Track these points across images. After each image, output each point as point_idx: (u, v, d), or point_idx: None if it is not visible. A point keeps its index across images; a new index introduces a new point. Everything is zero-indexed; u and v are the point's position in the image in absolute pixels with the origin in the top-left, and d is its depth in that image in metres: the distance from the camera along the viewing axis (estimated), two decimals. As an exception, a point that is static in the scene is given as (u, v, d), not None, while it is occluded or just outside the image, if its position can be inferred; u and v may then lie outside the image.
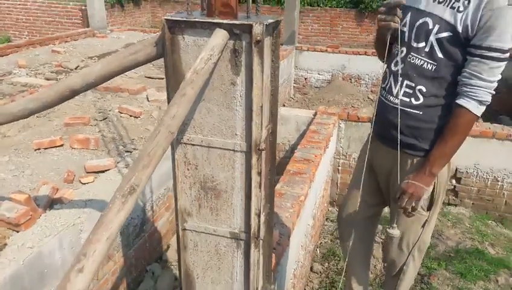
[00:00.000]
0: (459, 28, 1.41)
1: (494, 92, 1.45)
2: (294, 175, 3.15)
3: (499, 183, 4.58)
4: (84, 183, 2.95)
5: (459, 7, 1.41)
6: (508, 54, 1.41)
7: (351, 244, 1.88)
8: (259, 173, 1.58)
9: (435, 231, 4.03)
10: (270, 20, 1.41)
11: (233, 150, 1.54)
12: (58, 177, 2.97)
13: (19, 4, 10.48)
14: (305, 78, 8.32)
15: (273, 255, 2.18)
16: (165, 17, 1.37)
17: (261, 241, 1.73)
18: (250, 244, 1.67)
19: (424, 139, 1.56)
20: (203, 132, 1.54)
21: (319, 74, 8.25)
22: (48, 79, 5.26)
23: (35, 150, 3.29)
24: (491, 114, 6.82)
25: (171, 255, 3.70)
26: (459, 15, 1.41)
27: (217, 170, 1.59)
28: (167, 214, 3.75)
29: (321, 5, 11.44)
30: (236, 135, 1.51)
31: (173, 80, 1.44)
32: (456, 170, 4.68)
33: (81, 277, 0.98)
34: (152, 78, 5.72)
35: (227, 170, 1.58)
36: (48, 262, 2.36)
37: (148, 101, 4.61)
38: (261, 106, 1.46)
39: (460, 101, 1.46)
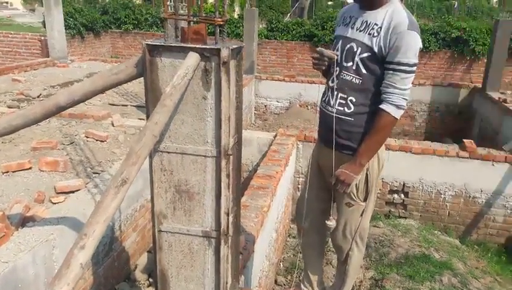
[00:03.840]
0: (375, 49, 1.80)
1: (407, 98, 1.84)
2: (258, 189, 3.40)
3: (442, 196, 5.04)
4: (55, 203, 3.04)
5: (374, 33, 1.82)
6: (414, 68, 1.82)
7: (307, 237, 2.16)
8: (228, 175, 1.82)
9: (387, 240, 4.37)
10: (235, 46, 1.69)
11: (205, 156, 1.77)
12: (28, 198, 3.05)
13: (-25, 34, 10.36)
14: (265, 105, 8.71)
15: (240, 258, 2.38)
16: (146, 42, 1.63)
17: (230, 238, 1.94)
18: (220, 240, 1.88)
19: (356, 140, 1.91)
20: (178, 140, 1.77)
21: (277, 101, 8.68)
22: (10, 107, 5.28)
23: (4, 173, 3.36)
24: (436, 137, 7.44)
25: (139, 275, 3.79)
26: (374, 39, 1.81)
27: (190, 174, 1.82)
28: (134, 234, 3.85)
29: (278, 38, 12.07)
30: (207, 142, 1.75)
31: (151, 95, 1.67)
32: (404, 184, 5.11)
33: (83, 253, 1.17)
34: (115, 105, 5.87)
35: (200, 173, 1.81)
36: (22, 276, 2.44)
37: (113, 126, 4.75)
38: (229, 117, 1.72)
39: (382, 106, 1.83)
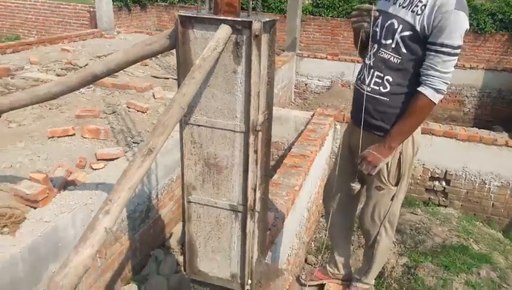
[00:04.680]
0: (418, 28, 1.70)
1: (448, 82, 1.73)
2: (290, 168, 3.38)
3: (486, 186, 4.80)
4: (95, 169, 3.18)
5: (417, 11, 1.71)
6: (458, 50, 1.69)
7: (334, 218, 2.13)
8: (256, 152, 1.81)
9: (423, 227, 4.25)
10: (267, 19, 1.65)
11: (234, 131, 1.77)
12: (71, 162, 3.20)
13: (29, 4, 10.80)
14: (306, 84, 8.58)
15: (268, 233, 2.40)
16: (179, 14, 1.62)
17: (256, 214, 1.95)
18: (247, 215, 1.90)
19: (389, 122, 1.83)
20: (208, 114, 1.78)
21: (318, 80, 8.51)
22: (58, 75, 5.50)
23: (49, 138, 3.53)
24: (485, 124, 7.06)
25: (173, 242, 3.91)
26: (418, 17, 1.71)
27: (219, 148, 1.83)
28: (171, 203, 3.97)
29: (323, 15, 11.74)
30: (236, 117, 1.74)
31: (183, 67, 1.68)
32: (446, 172, 4.91)
33: (107, 217, 1.21)
34: (158, 77, 5.98)
35: (228, 148, 1.81)
36: (62, 236, 2.59)
37: (155, 98, 4.85)
38: (258, 92, 1.70)
39: (420, 88, 1.73)
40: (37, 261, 2.40)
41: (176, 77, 6.02)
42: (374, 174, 1.85)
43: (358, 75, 1.96)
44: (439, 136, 4.76)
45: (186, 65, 1.66)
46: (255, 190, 1.89)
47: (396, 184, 1.93)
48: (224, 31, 1.51)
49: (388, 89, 1.81)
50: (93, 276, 2.91)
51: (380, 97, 1.83)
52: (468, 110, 8.17)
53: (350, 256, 2.36)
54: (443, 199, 5.10)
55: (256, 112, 1.72)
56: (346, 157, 2.08)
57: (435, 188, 5.09)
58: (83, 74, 1.87)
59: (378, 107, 1.83)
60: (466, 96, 8.06)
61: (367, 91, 1.86)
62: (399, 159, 1.89)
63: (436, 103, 1.74)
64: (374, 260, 2.08)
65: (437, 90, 1.71)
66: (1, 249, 2.21)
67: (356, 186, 1.88)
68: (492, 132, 4.84)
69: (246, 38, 1.56)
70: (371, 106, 1.85)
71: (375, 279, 2.22)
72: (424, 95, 1.72)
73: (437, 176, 5.02)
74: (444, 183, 5.04)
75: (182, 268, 3.54)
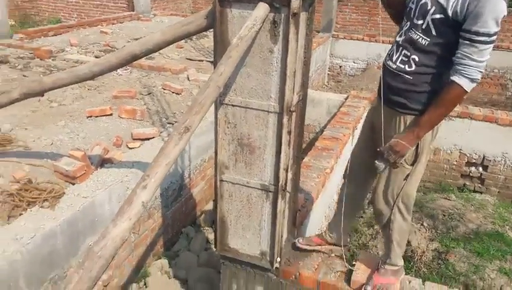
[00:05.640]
0: (449, 12, 1.64)
1: (483, 71, 1.68)
2: (322, 151, 3.36)
3: (527, 173, 4.63)
4: (131, 148, 3.27)
5: None
6: (494, 37, 1.62)
7: (346, 188, 2.15)
8: (289, 133, 1.81)
9: (457, 213, 4.15)
10: (305, -3, 1.63)
11: (268, 111, 1.78)
12: (108, 141, 3.31)
13: (70, -13, 11.04)
14: (340, 66, 8.42)
15: (298, 214, 2.41)
16: (216, -8, 1.62)
17: (287, 194, 1.97)
18: (278, 195, 1.92)
19: (412, 100, 1.81)
20: (243, 94, 1.79)
21: (354, 62, 8.34)
22: (97, 57, 5.65)
23: (88, 117, 3.65)
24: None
25: (204, 221, 4.00)
26: (451, 2, 1.64)
27: (253, 129, 1.84)
28: (202, 183, 4.05)
29: (360, -5, 11.40)
30: (271, 97, 1.75)
31: (220, 47, 1.69)
32: (484, 157, 4.75)
33: (145, 192, 1.26)
34: (192, 60, 6.03)
35: (262, 128, 1.83)
36: (99, 212, 2.69)
37: (189, 80, 4.91)
38: (294, 72, 1.69)
39: (454, 78, 1.67)
40: (75, 235, 2.52)
41: (211, 59, 6.03)
42: (399, 163, 1.82)
43: (388, 51, 1.93)
44: (479, 120, 4.60)
45: (223, 45, 1.67)
46: (286, 171, 1.91)
47: (412, 164, 1.91)
48: (262, 9, 1.51)
49: (413, 68, 1.79)
50: (127, 250, 3.03)
51: (404, 75, 1.81)
52: (511, 94, 7.81)
53: (349, 228, 2.33)
54: (479, 185, 4.95)
55: (291, 92, 1.72)
56: (366, 133, 2.07)
57: (471, 174, 4.94)
58: (122, 53, 1.91)
59: (401, 85, 1.81)
60: (510, 79, 7.69)
61: (392, 68, 1.84)
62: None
63: (468, 91, 1.70)
64: (391, 239, 2.05)
65: (472, 80, 1.66)
66: (41, 223, 2.33)
67: (380, 165, 1.85)
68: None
69: (284, 17, 1.55)
70: (394, 82, 1.83)
71: (404, 263, 2.19)
72: (459, 85, 1.66)
73: (474, 161, 4.86)
74: (481, 169, 4.89)
75: (212, 245, 3.65)
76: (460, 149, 4.86)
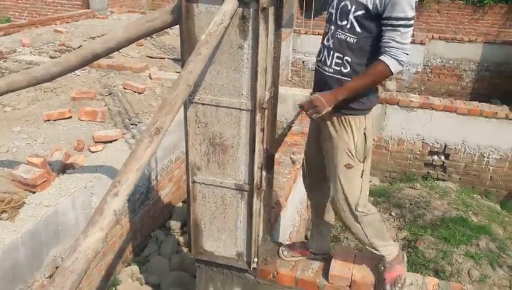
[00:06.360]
0: (370, 6, 1.75)
1: (408, 53, 1.79)
2: (292, 146, 3.35)
3: (485, 159, 4.82)
4: (94, 152, 3.13)
5: None
6: (412, 21, 1.76)
7: (313, 195, 2.20)
8: (262, 130, 1.77)
9: (423, 201, 4.27)
10: (274, -9, 1.59)
11: (240, 109, 1.73)
12: (68, 145, 3.15)
13: (18, -15, 10.48)
14: (303, 62, 8.47)
15: (272, 211, 2.38)
16: (181, -13, 1.55)
17: (262, 192, 1.93)
18: (253, 194, 1.87)
19: (353, 100, 1.87)
20: (213, 92, 1.73)
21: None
22: (52, 57, 5.38)
23: (45, 121, 3.46)
24: (483, 98, 7.04)
25: (174, 223, 3.91)
26: None
27: (225, 127, 1.79)
28: (170, 185, 3.94)
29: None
30: (242, 94, 1.70)
31: (187, 44, 1.62)
32: (445, 146, 4.91)
33: (116, 200, 1.17)
34: (153, 57, 5.86)
35: (234, 127, 1.77)
36: (62, 220, 2.55)
37: (151, 78, 4.76)
38: (265, 68, 1.65)
39: (382, 57, 1.78)
40: (38, 246, 2.38)
41: (172, 57, 5.85)
42: (314, 119, 1.86)
43: (318, 56, 1.99)
44: (440, 110, 4.74)
45: (190, 41, 1.60)
46: (261, 169, 1.87)
47: (363, 161, 1.94)
48: (230, 4, 1.45)
49: (348, 69, 1.85)
50: (95, 259, 2.90)
51: (342, 77, 1.87)
52: (465, 84, 8.13)
53: (327, 234, 2.32)
54: (442, 173, 5.12)
55: (263, 89, 1.68)
56: (315, 133, 2.07)
57: (433, 163, 5.10)
58: (83, 52, 1.80)
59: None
60: (464, 70, 8.00)
61: (329, 72, 1.89)
62: (364, 135, 1.93)
63: (394, 74, 1.81)
64: (369, 239, 2.03)
65: (399, 61, 1.76)
66: (1, 236, 2.17)
67: (294, 157, 1.89)
68: (492, 105, 4.83)
69: (253, 12, 1.50)
70: (334, 86, 1.87)
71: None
72: (387, 64, 1.76)
73: (436, 150, 5.02)
74: (443, 157, 5.05)
75: (183, 248, 3.56)
76: (423, 139, 4.99)
